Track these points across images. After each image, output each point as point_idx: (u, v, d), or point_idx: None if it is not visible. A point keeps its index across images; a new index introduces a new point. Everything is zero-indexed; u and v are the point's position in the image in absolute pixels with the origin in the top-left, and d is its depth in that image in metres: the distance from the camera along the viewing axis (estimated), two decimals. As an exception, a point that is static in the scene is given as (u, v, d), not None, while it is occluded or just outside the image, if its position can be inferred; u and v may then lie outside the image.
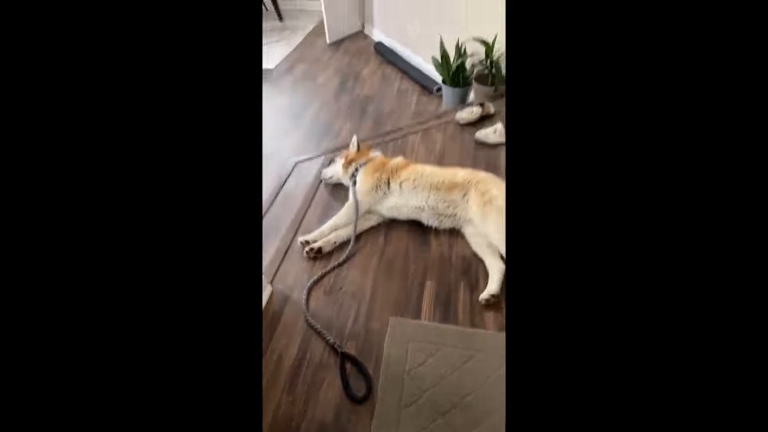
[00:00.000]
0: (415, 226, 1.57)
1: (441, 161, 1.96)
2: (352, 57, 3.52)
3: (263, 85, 3.23)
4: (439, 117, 2.46)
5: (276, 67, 3.43)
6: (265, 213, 1.86)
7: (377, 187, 1.57)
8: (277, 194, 1.98)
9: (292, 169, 2.15)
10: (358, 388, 1.12)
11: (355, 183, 1.63)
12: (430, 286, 1.38)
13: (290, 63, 3.48)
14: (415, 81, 3.08)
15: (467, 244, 1.49)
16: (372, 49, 3.56)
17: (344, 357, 1.18)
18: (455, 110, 2.49)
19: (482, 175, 1.55)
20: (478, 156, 1.97)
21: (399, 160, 1.66)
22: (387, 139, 2.20)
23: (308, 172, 2.09)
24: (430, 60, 2.70)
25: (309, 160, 2.22)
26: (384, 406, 1.08)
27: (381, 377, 1.14)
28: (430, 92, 2.93)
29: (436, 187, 1.52)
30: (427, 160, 1.99)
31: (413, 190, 1.53)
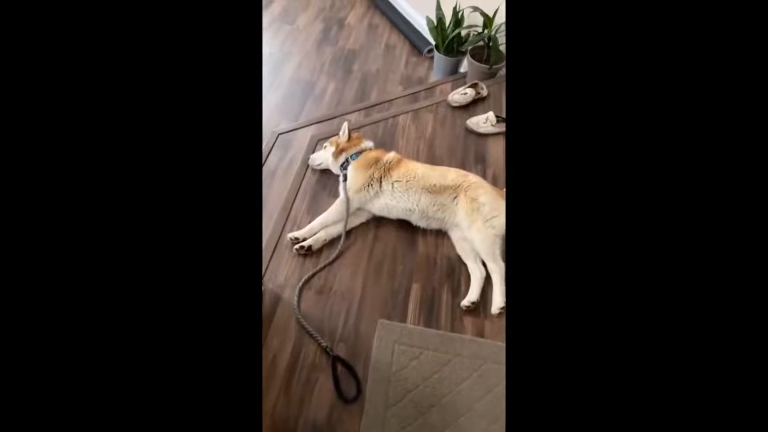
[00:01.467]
0: (403, 224, 1.61)
1: (431, 147, 1.94)
2: (336, -4, 3.17)
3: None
4: (429, 90, 2.36)
5: (249, 0, 3.02)
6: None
7: (369, 185, 1.55)
8: (259, 171, 1.91)
9: (274, 142, 2.05)
10: (349, 388, 1.24)
11: (345, 178, 1.60)
12: (416, 289, 1.47)
13: (265, -3, 3.08)
14: (406, 37, 2.86)
15: (452, 246, 1.57)
16: (360, -13, 3.20)
17: (336, 359, 1.29)
18: (446, 83, 2.39)
19: (473, 178, 1.57)
20: (467, 145, 1.96)
21: (392, 156, 1.63)
22: (377, 117, 2.11)
23: (292, 147, 2.00)
24: (425, 18, 2.49)
25: (293, 131, 2.11)
26: (372, 406, 1.22)
27: (369, 379, 1.26)
28: (420, 52, 2.75)
29: (427, 190, 1.54)
30: (416, 146, 1.96)
31: (405, 191, 1.54)
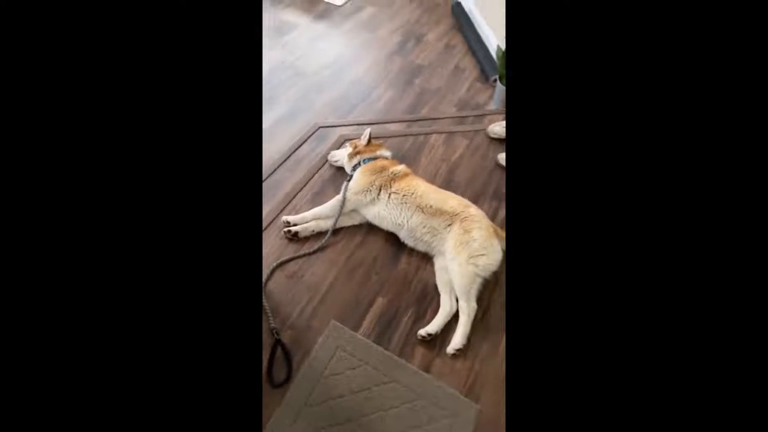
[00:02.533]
0: (392, 237, 1.60)
1: (451, 172, 1.90)
2: (425, 12, 3.25)
3: (324, 22, 3.11)
4: (477, 117, 2.31)
5: (344, 4, 3.26)
6: (269, 176, 1.94)
7: (368, 191, 1.57)
8: (288, 157, 2.04)
9: (313, 133, 2.17)
10: (279, 374, 1.27)
11: (350, 179, 1.64)
12: (380, 303, 1.45)
13: (360, 3, 3.28)
14: (479, 62, 2.82)
15: (434, 273, 1.51)
16: (449, 8, 3.24)
17: (278, 343, 1.32)
18: (497, 114, 2.32)
19: (474, 211, 1.51)
20: (490, 180, 1.88)
21: (400, 168, 1.64)
22: (411, 131, 2.12)
23: (326, 142, 2.10)
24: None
25: (332, 127, 2.22)
26: (292, 398, 1.23)
27: (301, 372, 1.27)
28: (487, 80, 2.70)
29: (421, 209, 1.51)
30: (437, 167, 1.93)
31: (399, 205, 1.53)
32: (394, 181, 1.58)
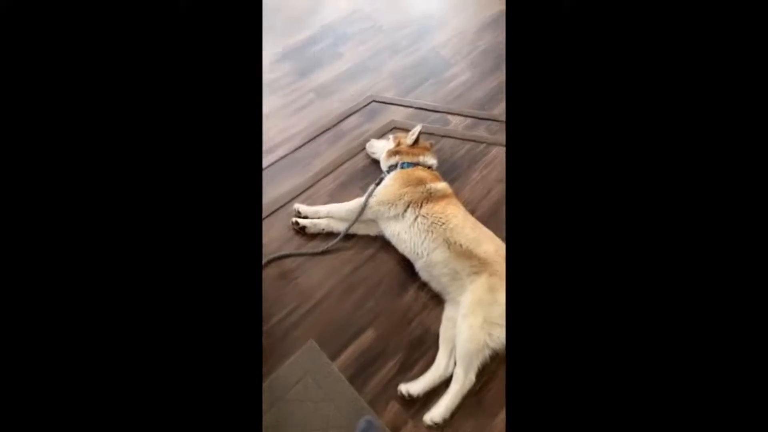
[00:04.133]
0: (406, 262, 1.37)
1: (500, 203, 1.57)
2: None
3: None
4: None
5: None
6: (305, 143, 1.75)
7: (394, 204, 1.33)
8: (330, 127, 1.83)
9: (364, 107, 1.92)
10: (239, 381, 1.17)
11: (380, 182, 1.40)
12: (369, 336, 1.27)
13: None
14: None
15: (439, 320, 1.29)
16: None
17: (248, 346, 1.21)
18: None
19: (509, 266, 1.23)
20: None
21: (440, 186, 1.36)
22: (474, 135, 1.78)
23: (374, 120, 1.85)
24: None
25: (388, 104, 1.94)
26: (244, 412, 1.13)
27: (262, 386, 1.17)
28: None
29: (448, 245, 1.25)
30: (488, 189, 1.62)
31: (424, 232, 1.28)
32: (428, 202, 1.32)
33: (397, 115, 1.88)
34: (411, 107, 1.92)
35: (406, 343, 1.27)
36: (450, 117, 1.89)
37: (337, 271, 1.36)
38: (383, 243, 1.42)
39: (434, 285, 1.31)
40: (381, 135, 1.72)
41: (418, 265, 1.32)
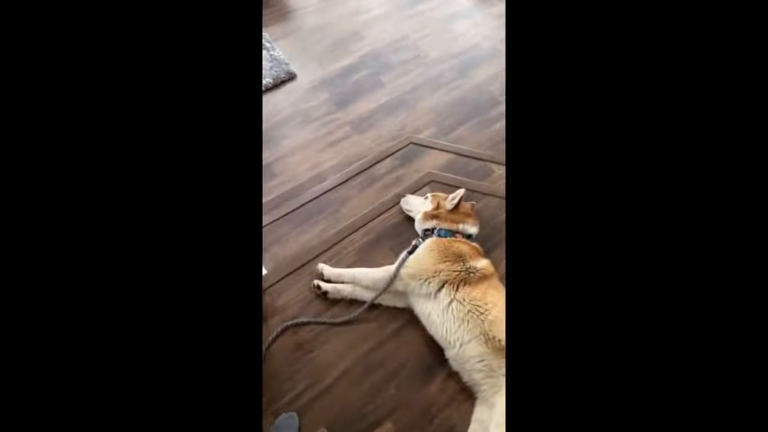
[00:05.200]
0: (436, 345, 1.22)
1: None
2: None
3: (472, -5, 2.52)
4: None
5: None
6: (333, 187, 1.64)
7: (428, 281, 1.18)
8: (365, 169, 1.70)
9: (401, 149, 1.78)
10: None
11: (414, 250, 1.26)
12: (385, 430, 1.13)
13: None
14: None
15: (467, 420, 1.13)
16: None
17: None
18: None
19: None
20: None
21: (482, 266, 1.20)
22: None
23: (411, 164, 1.71)
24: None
25: (427, 147, 1.79)
26: None
27: (263, 478, 1.05)
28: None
29: (485, 338, 1.09)
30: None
31: (459, 320, 1.13)
32: (465, 284, 1.16)
33: (437, 159, 1.73)
34: (451, 152, 1.77)
35: (427, 443, 1.12)
36: (494, 166, 1.72)
37: (355, 348, 1.23)
38: (411, 317, 1.27)
39: (465, 377, 1.15)
40: (417, 188, 1.57)
41: (449, 354, 1.16)
